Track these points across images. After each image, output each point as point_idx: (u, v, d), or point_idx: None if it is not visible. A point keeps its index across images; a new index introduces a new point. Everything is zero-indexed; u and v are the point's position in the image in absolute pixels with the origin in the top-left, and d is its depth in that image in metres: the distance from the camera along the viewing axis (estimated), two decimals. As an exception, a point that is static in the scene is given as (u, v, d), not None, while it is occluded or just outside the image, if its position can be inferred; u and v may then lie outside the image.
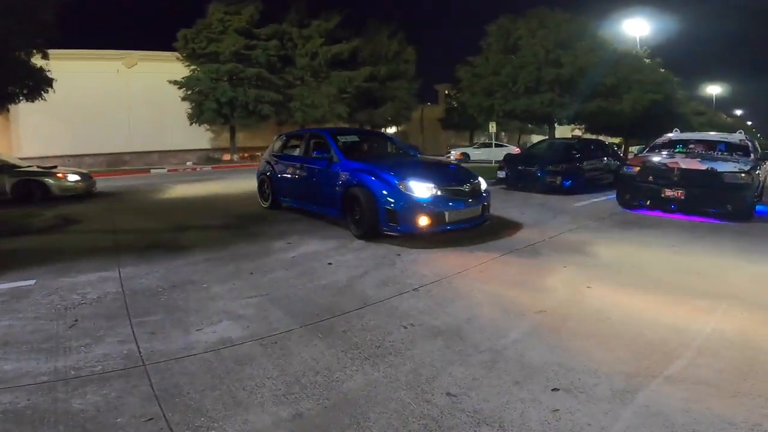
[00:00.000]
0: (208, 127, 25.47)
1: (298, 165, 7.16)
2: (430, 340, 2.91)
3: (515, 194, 10.05)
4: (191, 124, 24.01)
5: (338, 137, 7.08)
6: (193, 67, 23.73)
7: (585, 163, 10.66)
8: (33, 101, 8.76)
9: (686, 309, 3.42)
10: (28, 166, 10.51)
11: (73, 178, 10.32)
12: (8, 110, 18.97)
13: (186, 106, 23.86)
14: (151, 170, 20.78)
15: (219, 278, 4.18)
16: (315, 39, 24.92)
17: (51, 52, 9.42)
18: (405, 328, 3.09)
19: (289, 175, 7.40)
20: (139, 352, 2.71)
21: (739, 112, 45.55)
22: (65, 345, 2.79)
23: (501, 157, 14.52)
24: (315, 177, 6.67)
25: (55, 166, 11.22)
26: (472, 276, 4.27)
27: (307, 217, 7.22)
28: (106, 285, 3.98)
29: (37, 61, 8.80)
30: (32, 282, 4.06)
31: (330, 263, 4.65)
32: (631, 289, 3.86)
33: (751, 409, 2.13)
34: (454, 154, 24.93)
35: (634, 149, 10.63)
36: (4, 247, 5.53)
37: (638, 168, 7.87)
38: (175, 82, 23.26)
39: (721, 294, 3.73)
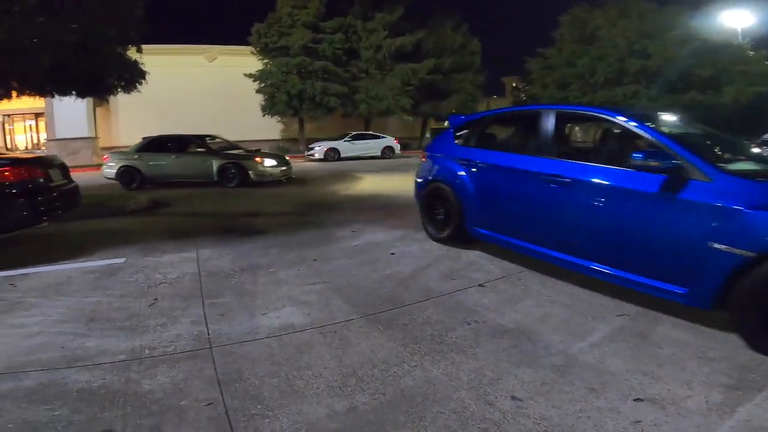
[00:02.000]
0: (279, 118, 26.35)
1: (552, 178, 3.52)
2: (496, 338, 2.69)
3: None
4: (264, 115, 24.98)
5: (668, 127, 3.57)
6: (265, 60, 24.60)
7: None
8: (129, 93, 9.44)
9: None
10: (238, 149, 11.18)
11: (269, 162, 10.51)
12: (108, 102, 21.01)
13: (259, 99, 24.84)
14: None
15: (285, 263, 4.22)
16: (379, 32, 24.79)
17: (144, 47, 10.06)
18: (469, 324, 2.89)
19: (519, 193, 3.89)
20: (208, 334, 2.76)
21: None
22: (144, 324, 2.92)
23: None
24: (623, 209, 3.07)
25: (258, 150, 11.74)
26: (545, 273, 3.92)
27: (372, 207, 7.12)
28: (185, 266, 4.17)
29: (132, 54, 9.44)
30: (122, 260, 4.37)
31: (393, 253, 4.53)
32: None
33: None
34: None
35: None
36: (104, 227, 6.04)
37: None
38: (250, 75, 24.26)
39: None
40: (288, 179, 11.04)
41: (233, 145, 12.00)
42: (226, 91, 25.45)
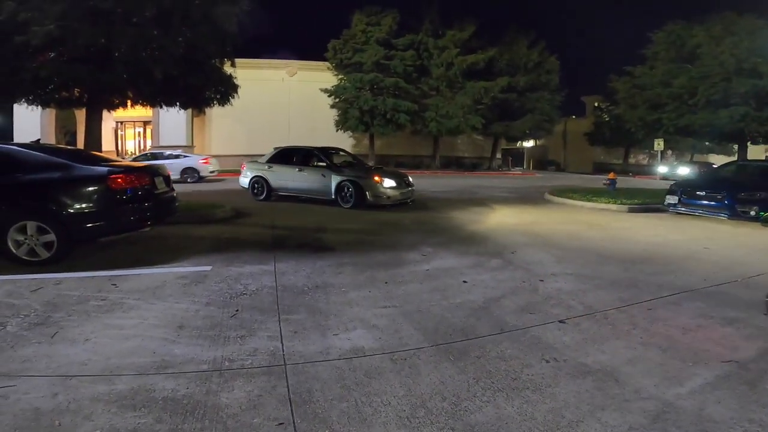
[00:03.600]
0: (351, 133, 27.11)
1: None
2: (578, 379, 2.51)
3: (692, 223, 8.48)
4: (337, 130, 25.86)
5: None
6: (340, 76, 25.63)
7: None
8: (223, 105, 10.25)
9: None
10: (361, 165, 10.57)
11: (388, 183, 9.35)
12: (204, 113, 23.04)
13: (333, 113, 25.79)
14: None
15: (357, 284, 4.27)
16: (450, 49, 24.86)
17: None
18: (547, 362, 2.72)
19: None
20: (283, 351, 2.85)
21: None
22: (225, 334, 3.08)
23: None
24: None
25: (379, 167, 11.06)
26: (636, 314, 3.62)
27: (442, 229, 7.05)
28: (263, 278, 4.38)
29: (227, 68, 10.23)
30: (209, 268, 4.69)
31: (465, 281, 4.40)
32: None
33: None
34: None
35: None
36: (194, 233, 6.56)
37: None
38: (325, 91, 25.37)
39: None
40: (411, 202, 9.96)
41: (358, 161, 11.44)
42: (304, 106, 26.75)
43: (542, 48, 26.75)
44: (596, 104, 35.32)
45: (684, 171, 21.34)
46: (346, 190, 9.39)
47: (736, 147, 18.10)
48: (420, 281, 4.39)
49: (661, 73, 16.37)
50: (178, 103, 9.97)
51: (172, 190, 6.18)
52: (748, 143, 16.54)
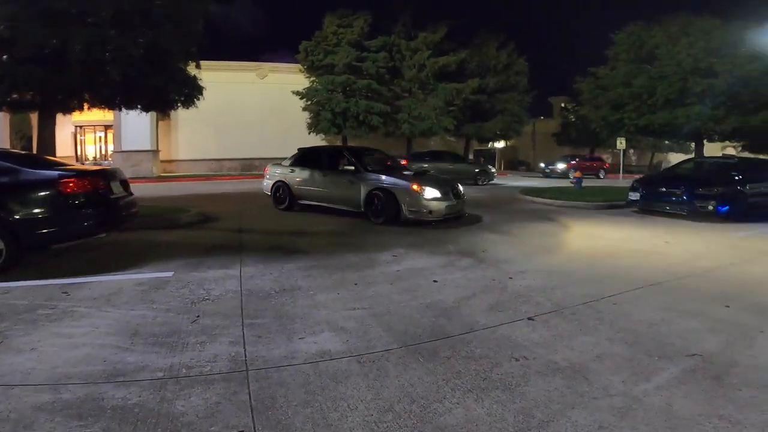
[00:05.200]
0: (323, 136, 26.88)
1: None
2: (547, 377, 2.51)
3: (654, 219, 8.78)
4: (309, 133, 25.57)
5: None
6: (312, 78, 25.38)
7: (748, 186, 8.81)
8: (188, 108, 9.89)
9: None
10: (401, 170, 8.70)
11: (431, 193, 7.33)
12: (169, 116, 22.30)
13: (306, 116, 25.55)
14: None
15: (325, 286, 4.19)
16: (422, 51, 24.99)
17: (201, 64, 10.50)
18: (517, 360, 2.72)
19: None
20: (245, 356, 2.74)
21: None
22: (184, 341, 2.95)
23: None
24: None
25: (425, 172, 9.05)
26: (602, 309, 3.68)
27: (417, 229, 7.06)
28: (228, 283, 4.23)
29: (191, 69, 9.90)
30: (170, 274, 4.51)
31: (436, 281, 4.39)
32: None
33: None
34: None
35: None
36: (157, 239, 6.30)
37: None
38: (297, 93, 25.08)
39: None
40: (459, 217, 8.05)
41: (398, 165, 9.59)
42: (276, 108, 26.27)
43: (511, 50, 27.21)
44: (563, 105, 36.28)
45: (561, 165, 24.10)
46: (376, 201, 7.61)
47: (693, 145, 18.90)
48: (390, 282, 4.35)
49: (622, 73, 16.86)
50: (139, 106, 9.57)
51: (131, 194, 5.93)
52: (705, 141, 17.30)
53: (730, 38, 14.67)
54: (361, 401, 2.26)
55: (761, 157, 15.51)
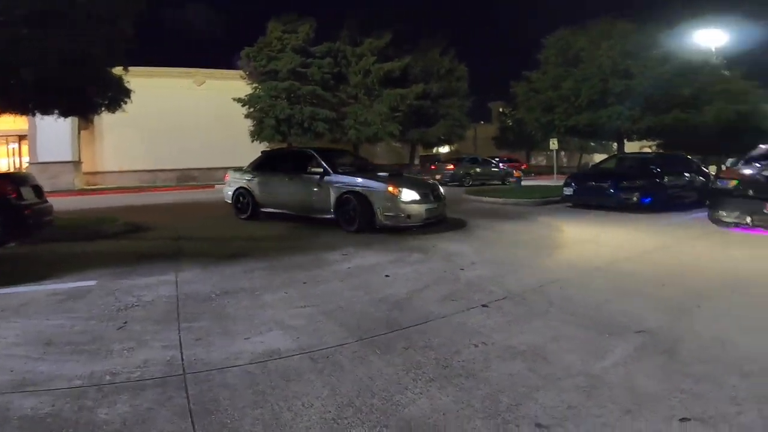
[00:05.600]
0: (267, 144, 26.16)
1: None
2: (508, 361, 2.48)
3: (587, 212, 9.27)
4: (252, 141, 24.77)
5: None
6: (254, 84, 24.64)
7: (666, 178, 9.61)
8: (113, 112, 9.03)
9: None
10: (375, 171, 7.76)
11: (408, 195, 6.63)
12: (92, 123, 20.49)
13: (248, 124, 24.74)
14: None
15: (271, 287, 3.95)
16: (367, 57, 25.13)
17: (130, 69, 9.82)
18: (476, 346, 2.67)
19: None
20: (182, 360, 2.48)
21: None
22: (108, 348, 2.62)
23: None
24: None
25: (397, 173, 8.17)
26: (551, 293, 3.75)
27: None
28: (161, 288, 3.87)
29: (117, 71, 9.17)
30: (93, 283, 4.05)
31: (387, 275, 4.29)
32: (750, 309, 3.25)
33: None
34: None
35: (728, 162, 9.41)
36: (80, 250, 5.68)
37: (734, 182, 6.86)
38: (238, 100, 24.22)
39: None
40: (440, 221, 7.37)
41: (372, 166, 8.66)
42: (216, 116, 25.28)
43: (453, 56, 28.06)
44: (500, 110, 38.07)
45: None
46: (348, 205, 6.84)
47: (615, 146, 20.43)
48: (341, 279, 4.19)
49: (552, 76, 17.87)
50: (56, 111, 8.64)
51: (45, 201, 5.32)
52: (625, 141, 18.77)
53: (644, 41, 15.99)
54: (317, 398, 2.09)
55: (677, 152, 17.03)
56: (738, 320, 3.04)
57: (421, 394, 2.13)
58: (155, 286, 3.92)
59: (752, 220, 6.52)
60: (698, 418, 1.85)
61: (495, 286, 3.93)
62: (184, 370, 2.34)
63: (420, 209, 6.68)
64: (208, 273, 4.42)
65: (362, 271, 4.48)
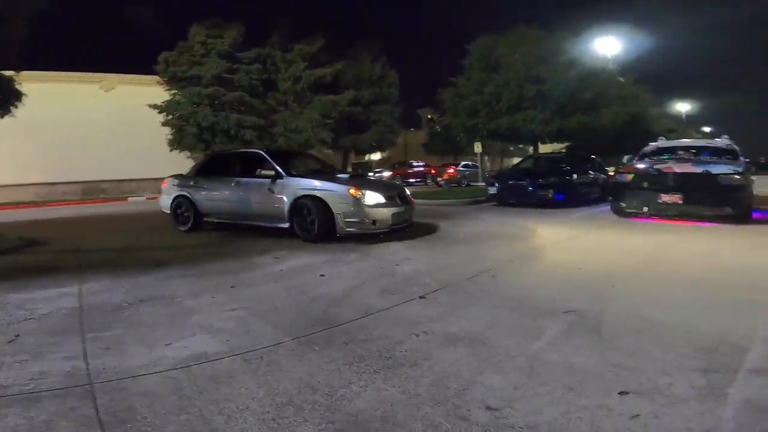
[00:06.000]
0: (189, 153, 24.64)
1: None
2: (449, 348, 2.47)
3: (509, 209, 9.84)
4: (171, 150, 23.20)
5: None
6: (173, 91, 23.09)
7: (575, 176, 10.56)
8: (2, 116, 8.02)
9: (729, 299, 3.17)
10: (339, 173, 7.16)
11: (372, 198, 6.00)
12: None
13: (166, 132, 23.12)
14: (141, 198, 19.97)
15: (195, 293, 3.65)
16: (298, 63, 24.66)
17: (26, 73, 8.79)
18: (417, 336, 2.64)
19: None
20: (87, 369, 2.18)
21: (707, 129, 47.29)
22: (-4, 362, 2.23)
23: None
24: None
25: (358, 175, 7.97)
26: (484, 281, 3.87)
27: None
28: (61, 301, 3.42)
29: (7, 74, 8.14)
30: (-27, 300, 3.45)
31: (323, 275, 4.17)
32: (657, 286, 3.59)
33: None
34: None
35: (625, 158, 10.67)
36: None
37: (631, 176, 7.69)
38: (155, 107, 22.51)
39: (761, 287, 3.47)
40: (409, 226, 6.80)
41: (330, 169, 8.04)
42: (128, 124, 23.35)
43: (384, 62, 28.36)
44: (429, 116, 39.35)
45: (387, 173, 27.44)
46: (305, 211, 6.12)
47: (531, 149, 22.00)
48: (274, 281, 4.00)
49: (475, 82, 18.88)
50: None
51: None
52: (540, 143, 20.30)
53: (554, 48, 17.46)
54: (253, 399, 1.92)
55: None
56: (650, 296, 3.31)
57: (366, 386, 2.05)
58: (54, 299, 3.45)
59: (648, 209, 7.36)
60: (635, 391, 1.93)
61: (430, 278, 3.97)
62: (90, 379, 2.06)
63: (386, 213, 6.07)
64: (120, 283, 3.99)
65: (296, 273, 4.31)
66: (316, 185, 6.15)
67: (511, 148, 33.30)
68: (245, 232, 6.95)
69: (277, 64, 24.65)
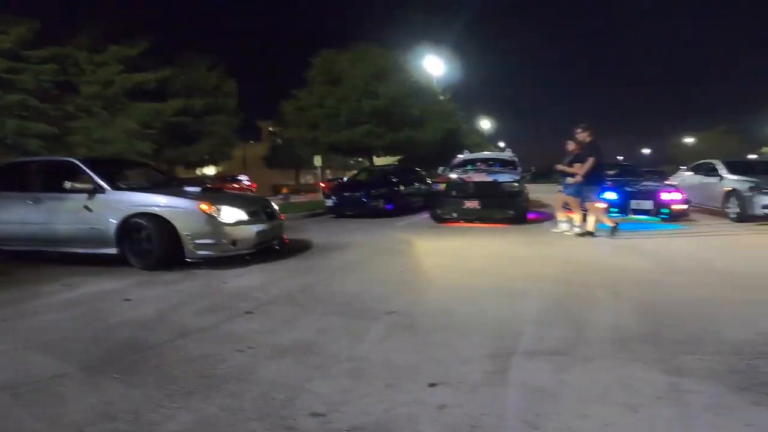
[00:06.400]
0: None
1: None
2: (277, 359, 2.50)
3: (346, 219, 10.37)
4: None
5: None
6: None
7: (402, 187, 11.77)
8: None
9: (512, 289, 3.92)
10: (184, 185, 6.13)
11: (230, 215, 5.18)
12: None
13: None
14: None
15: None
16: (112, 66, 21.73)
17: None
18: (242, 351, 2.60)
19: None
20: None
21: (502, 144, 58.80)
22: None
23: None
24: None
25: (211, 188, 6.79)
26: (318, 291, 4.02)
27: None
28: None
29: None
30: None
31: (128, 299, 3.77)
32: (461, 282, 4.28)
33: (612, 370, 2.27)
34: None
35: (440, 169, 12.60)
36: None
37: (444, 185, 9.01)
38: None
39: (531, 274, 4.43)
40: (280, 245, 6.13)
41: (174, 179, 7.04)
42: None
43: (222, 71, 26.86)
44: (270, 129, 38.61)
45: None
46: (140, 232, 5.09)
47: (367, 162, 23.54)
48: (59, 311, 3.48)
49: (317, 95, 19.45)
50: None
51: None
52: (374, 156, 21.88)
53: (388, 64, 19.13)
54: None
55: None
56: (456, 292, 3.89)
57: (180, 408, 1.95)
58: None
59: (457, 215, 8.71)
60: (442, 382, 2.15)
61: (261, 293, 3.93)
62: None
63: (249, 232, 5.33)
64: None
65: (93, 299, 3.83)
66: (154, 201, 5.18)
67: (352, 162, 34.98)
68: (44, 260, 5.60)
69: (80, 66, 21.25)
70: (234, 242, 5.15)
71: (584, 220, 6.80)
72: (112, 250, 5.17)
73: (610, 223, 6.55)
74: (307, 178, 41.71)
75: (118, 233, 5.11)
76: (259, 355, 2.55)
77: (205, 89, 25.86)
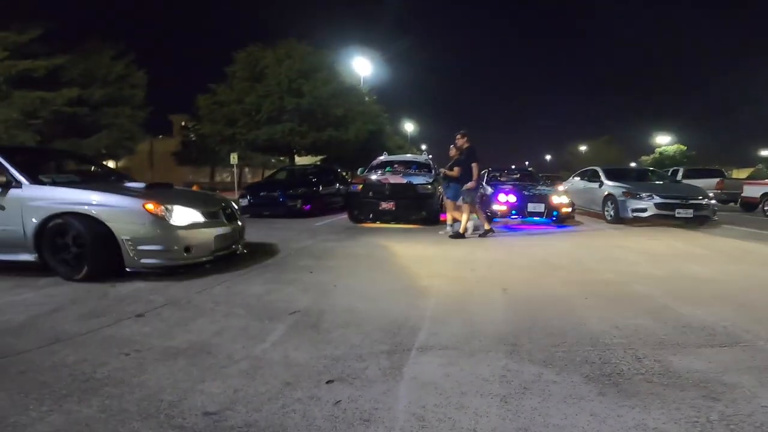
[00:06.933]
0: None
1: None
2: (168, 361, 2.49)
3: (262, 220, 10.24)
4: None
5: None
6: None
7: (321, 187, 11.91)
8: None
9: (415, 287, 4.19)
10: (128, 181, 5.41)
11: (182, 216, 4.54)
12: None
13: None
14: None
15: None
16: (-7, 52, 19.43)
17: None
18: (127, 355, 2.57)
19: None
20: None
21: (424, 147, 61.33)
22: None
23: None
24: None
25: (161, 184, 5.62)
26: (217, 292, 3.99)
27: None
28: None
29: None
30: None
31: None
32: (368, 281, 4.49)
33: (492, 363, 2.52)
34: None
35: (359, 171, 12.88)
36: None
37: (361, 186, 9.33)
38: None
39: (433, 273, 4.76)
40: (243, 250, 5.67)
41: (114, 174, 6.14)
42: None
43: (130, 61, 24.96)
44: (183, 123, 36.59)
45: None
46: (66, 236, 4.36)
47: (288, 160, 23.35)
48: None
49: (237, 90, 18.92)
50: None
51: None
52: (296, 155, 21.76)
53: (316, 62, 19.12)
54: None
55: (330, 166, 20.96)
56: (362, 292, 4.05)
57: (51, 411, 1.93)
58: None
59: (374, 215, 9.05)
60: (339, 378, 2.28)
61: (156, 295, 3.83)
62: None
63: (207, 236, 4.77)
64: None
65: None
66: (86, 198, 4.44)
67: (273, 161, 34.33)
68: None
69: (-49, 51, 18.74)
70: (188, 248, 4.55)
71: (456, 221, 7.60)
72: (30, 257, 4.48)
73: (486, 224, 7.54)
74: (223, 176, 40.19)
75: (36, 236, 4.41)
76: (147, 358, 2.53)
77: (107, 79, 23.95)
